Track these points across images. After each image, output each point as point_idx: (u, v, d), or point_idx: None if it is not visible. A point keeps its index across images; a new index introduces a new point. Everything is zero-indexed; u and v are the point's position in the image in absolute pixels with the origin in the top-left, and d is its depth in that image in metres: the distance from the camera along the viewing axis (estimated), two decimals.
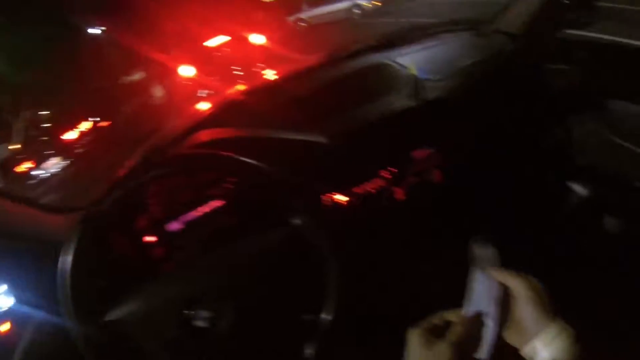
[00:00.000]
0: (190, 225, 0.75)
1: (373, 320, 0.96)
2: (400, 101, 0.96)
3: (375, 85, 1.01)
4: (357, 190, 0.89)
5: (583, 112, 1.18)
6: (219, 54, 5.76)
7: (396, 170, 0.93)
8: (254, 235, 0.67)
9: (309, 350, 0.64)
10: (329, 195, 0.87)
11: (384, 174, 0.92)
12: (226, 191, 0.77)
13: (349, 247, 0.92)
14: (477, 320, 0.55)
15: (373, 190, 0.91)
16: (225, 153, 0.71)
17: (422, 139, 0.95)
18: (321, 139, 0.84)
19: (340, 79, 1.01)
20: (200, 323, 0.61)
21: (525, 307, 0.53)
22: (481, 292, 0.57)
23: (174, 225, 0.76)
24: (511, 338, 0.55)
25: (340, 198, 0.87)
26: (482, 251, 0.60)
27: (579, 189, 1.17)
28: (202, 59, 5.57)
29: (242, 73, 5.04)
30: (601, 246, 1.14)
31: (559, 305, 0.54)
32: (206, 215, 0.76)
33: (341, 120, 0.90)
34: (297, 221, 0.67)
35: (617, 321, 0.92)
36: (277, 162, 0.72)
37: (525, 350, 0.53)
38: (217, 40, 6.00)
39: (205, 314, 0.61)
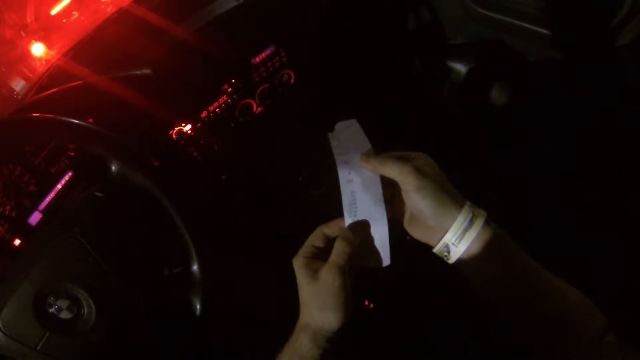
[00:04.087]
0: (49, 210, 0.71)
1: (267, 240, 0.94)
2: (223, 4, 0.88)
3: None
4: (203, 114, 0.85)
5: None
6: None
7: (239, 82, 0.87)
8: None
9: (197, 305, 0.61)
10: (174, 128, 0.82)
11: (227, 88, 0.87)
12: (69, 159, 0.72)
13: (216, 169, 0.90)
14: (363, 228, 0.46)
15: (218, 110, 0.86)
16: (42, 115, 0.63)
17: (256, 40, 0.88)
18: (146, 70, 0.75)
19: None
20: (64, 314, 0.55)
21: (419, 201, 0.42)
22: (358, 192, 0.46)
23: (34, 218, 0.72)
24: (418, 235, 0.46)
25: (186, 128, 0.83)
26: (346, 133, 0.49)
27: (458, 66, 1.16)
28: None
29: None
30: (493, 115, 1.16)
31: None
32: (61, 192, 0.72)
33: (163, 44, 0.81)
34: (114, 168, 0.61)
35: None
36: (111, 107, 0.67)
37: (436, 250, 0.44)
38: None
39: (62, 303, 0.55)
